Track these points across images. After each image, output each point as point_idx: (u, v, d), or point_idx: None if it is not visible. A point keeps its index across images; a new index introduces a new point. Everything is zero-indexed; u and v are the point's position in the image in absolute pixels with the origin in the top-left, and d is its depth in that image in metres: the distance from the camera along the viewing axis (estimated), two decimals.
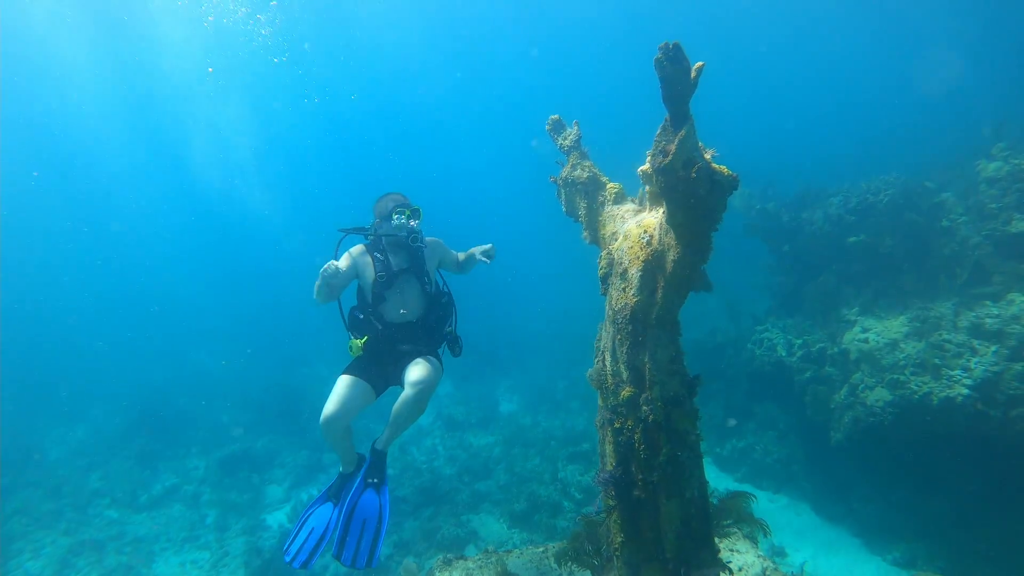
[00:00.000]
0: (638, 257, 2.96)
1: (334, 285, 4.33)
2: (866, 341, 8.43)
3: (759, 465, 9.97)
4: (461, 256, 5.06)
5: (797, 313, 10.46)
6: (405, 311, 4.60)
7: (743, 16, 31.55)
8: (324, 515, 4.59)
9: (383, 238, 4.58)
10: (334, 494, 4.67)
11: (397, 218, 4.48)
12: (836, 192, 10.43)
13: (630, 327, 3.01)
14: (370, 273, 4.53)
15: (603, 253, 3.37)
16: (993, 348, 7.20)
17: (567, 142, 3.73)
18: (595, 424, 3.44)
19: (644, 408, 3.00)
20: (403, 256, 4.59)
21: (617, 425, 3.15)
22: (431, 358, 4.53)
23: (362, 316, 4.61)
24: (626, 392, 3.07)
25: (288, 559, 4.35)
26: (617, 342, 3.10)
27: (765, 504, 9.28)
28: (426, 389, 4.24)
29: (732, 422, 10.56)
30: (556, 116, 3.82)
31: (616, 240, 3.28)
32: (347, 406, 4.32)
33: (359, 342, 4.44)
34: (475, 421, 14.20)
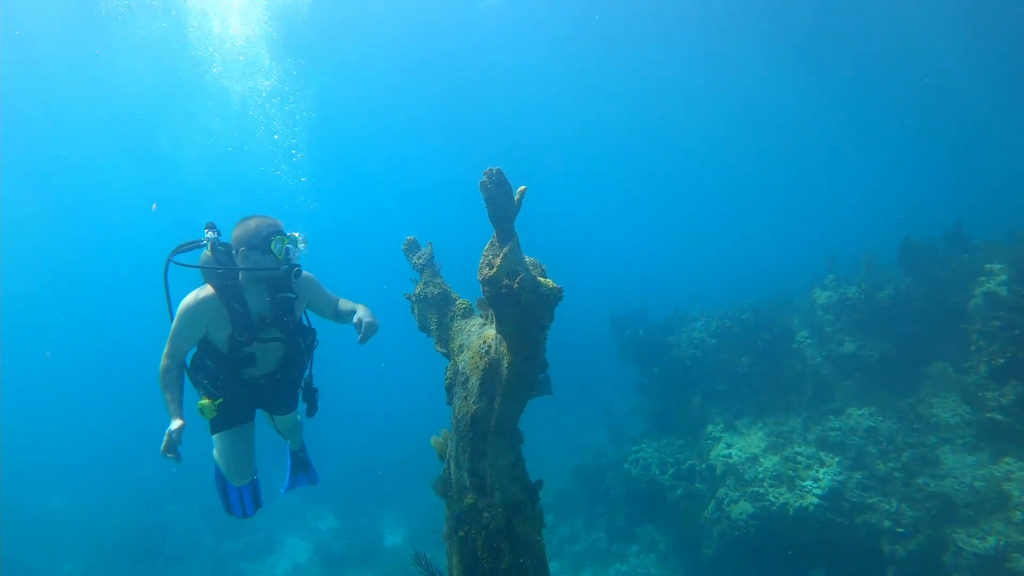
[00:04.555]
0: (478, 367, 3.12)
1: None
2: (730, 457, 8.86)
3: None
4: (342, 304, 3.96)
5: (669, 432, 10.87)
6: (263, 365, 3.78)
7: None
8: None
9: (240, 274, 3.57)
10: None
11: (278, 248, 3.51)
12: (698, 317, 11.31)
13: (471, 434, 3.11)
14: (225, 328, 3.55)
15: (449, 364, 3.52)
16: (837, 459, 7.78)
17: (420, 261, 3.97)
18: (441, 536, 3.42)
19: (486, 515, 3.04)
20: (263, 298, 3.64)
21: (461, 534, 3.16)
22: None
23: (214, 367, 3.65)
24: (469, 499, 3.11)
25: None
26: (460, 449, 3.18)
27: None
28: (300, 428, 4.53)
29: None
30: (411, 237, 4.07)
31: (462, 352, 3.45)
32: (251, 456, 4.00)
33: (212, 404, 3.54)
34: (356, 556, 13.29)
